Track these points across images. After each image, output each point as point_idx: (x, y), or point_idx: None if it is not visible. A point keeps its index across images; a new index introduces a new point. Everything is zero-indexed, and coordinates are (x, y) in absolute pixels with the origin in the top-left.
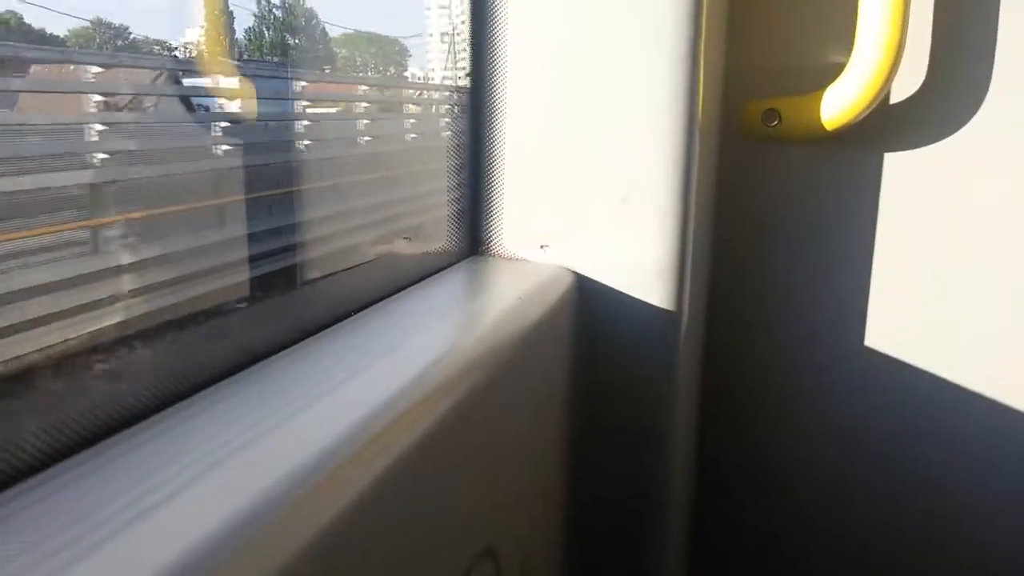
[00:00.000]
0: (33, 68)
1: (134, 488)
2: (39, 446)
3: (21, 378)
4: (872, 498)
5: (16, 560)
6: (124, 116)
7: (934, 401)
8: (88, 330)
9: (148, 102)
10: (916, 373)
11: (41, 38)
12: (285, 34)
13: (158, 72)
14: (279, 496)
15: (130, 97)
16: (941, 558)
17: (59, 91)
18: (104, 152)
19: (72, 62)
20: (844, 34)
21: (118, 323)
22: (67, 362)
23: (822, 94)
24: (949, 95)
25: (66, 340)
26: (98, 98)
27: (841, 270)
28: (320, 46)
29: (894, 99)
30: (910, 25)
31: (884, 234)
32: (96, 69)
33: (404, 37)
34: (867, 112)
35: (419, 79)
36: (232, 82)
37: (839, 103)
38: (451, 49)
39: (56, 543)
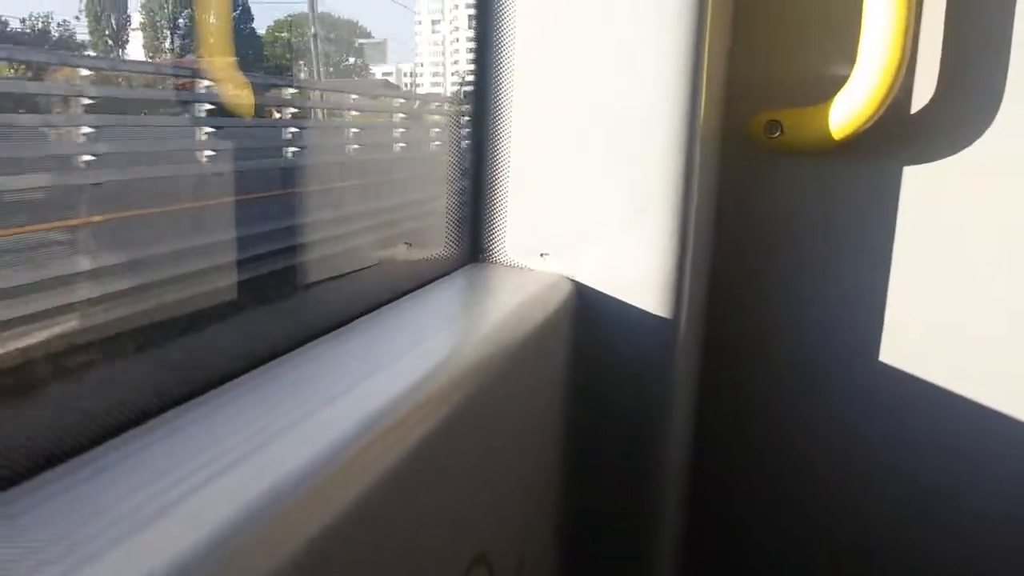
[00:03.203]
0: None
1: (145, 487)
2: (57, 439)
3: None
4: (877, 515)
5: (41, 552)
6: None
7: (953, 420)
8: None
9: None
10: (932, 389)
11: None
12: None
13: None
14: (274, 500)
15: None
16: (951, 572)
17: None
18: None
19: None
20: (848, 46)
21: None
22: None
23: (824, 106)
24: (959, 106)
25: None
26: None
27: (847, 282)
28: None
29: (901, 111)
30: (921, 35)
31: (892, 247)
32: None
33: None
34: (870, 124)
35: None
36: None
37: (842, 115)
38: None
39: (80, 535)
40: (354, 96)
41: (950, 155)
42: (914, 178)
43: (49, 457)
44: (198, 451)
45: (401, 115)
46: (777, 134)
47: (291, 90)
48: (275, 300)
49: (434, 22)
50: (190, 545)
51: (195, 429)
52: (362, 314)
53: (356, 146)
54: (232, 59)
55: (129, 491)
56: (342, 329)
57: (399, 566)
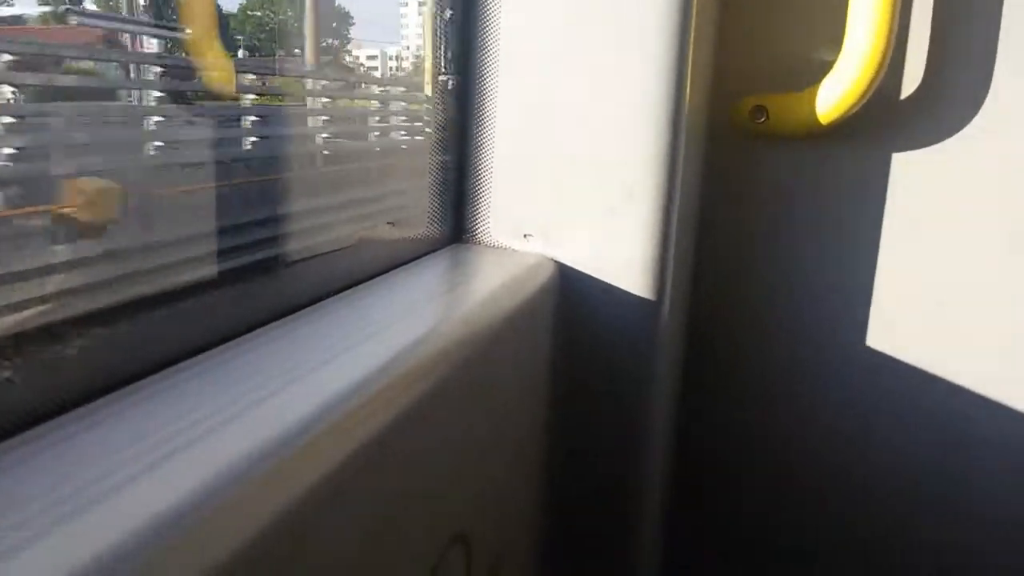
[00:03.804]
0: None
1: (118, 452)
2: (37, 401)
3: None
4: (861, 497)
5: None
6: None
7: (941, 405)
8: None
9: None
10: (921, 375)
11: None
12: None
13: None
14: (250, 470)
15: None
16: (938, 557)
17: None
18: None
19: None
20: (834, 32)
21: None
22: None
23: (810, 91)
24: (948, 92)
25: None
26: None
27: (833, 268)
28: None
29: (889, 96)
30: (910, 20)
31: (880, 233)
32: None
33: None
34: (855, 110)
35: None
36: None
37: (827, 100)
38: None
39: (59, 493)
40: (323, 82)
41: (939, 140)
42: (902, 164)
43: (25, 419)
44: (172, 419)
45: (376, 102)
46: (763, 119)
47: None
48: (257, 275)
49: (420, 3)
50: (161, 511)
51: (168, 397)
52: (342, 290)
53: (326, 134)
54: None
55: (100, 455)
56: (322, 303)
57: (375, 541)
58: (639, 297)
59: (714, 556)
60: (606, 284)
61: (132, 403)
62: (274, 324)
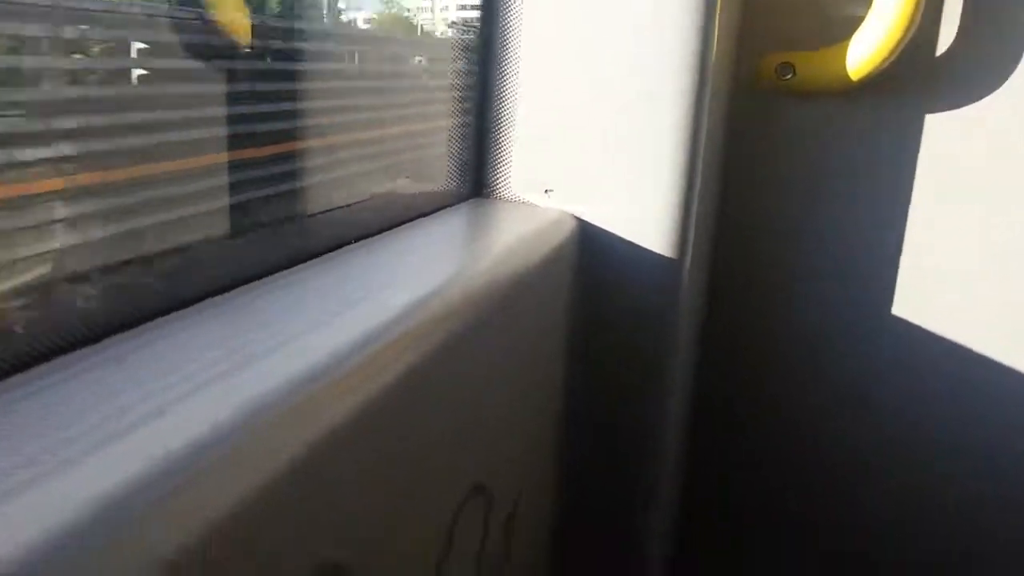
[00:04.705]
0: None
1: (130, 391)
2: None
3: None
4: (876, 463)
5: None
6: None
7: (969, 374)
8: None
9: None
10: (947, 344)
11: None
12: None
13: None
14: (266, 416)
15: None
16: (960, 530)
17: None
18: None
19: None
20: None
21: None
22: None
23: (837, 49)
24: (981, 49)
25: None
26: None
27: (859, 230)
28: None
29: (922, 53)
30: None
31: (910, 196)
32: None
33: None
34: (885, 66)
35: None
36: None
37: (856, 57)
38: None
39: (61, 436)
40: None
41: (974, 100)
42: (934, 123)
43: (31, 356)
44: (191, 358)
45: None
46: (789, 76)
47: None
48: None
49: None
50: (176, 448)
51: (179, 340)
52: (358, 240)
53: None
54: None
55: (108, 396)
56: (339, 251)
57: (395, 489)
58: (660, 255)
59: (729, 512)
60: (627, 241)
61: (154, 338)
62: (293, 269)
